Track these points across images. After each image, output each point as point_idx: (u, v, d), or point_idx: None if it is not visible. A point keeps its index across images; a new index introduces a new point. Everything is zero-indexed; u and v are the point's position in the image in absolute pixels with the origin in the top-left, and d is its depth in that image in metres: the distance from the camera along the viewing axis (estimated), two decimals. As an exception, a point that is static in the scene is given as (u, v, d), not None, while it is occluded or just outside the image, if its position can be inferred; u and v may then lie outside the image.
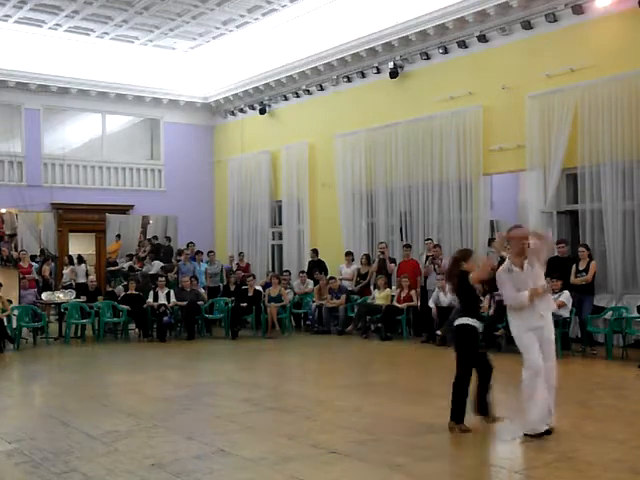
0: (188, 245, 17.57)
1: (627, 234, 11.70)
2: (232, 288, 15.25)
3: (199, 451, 5.93)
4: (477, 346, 6.61)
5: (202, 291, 15.35)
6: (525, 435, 6.11)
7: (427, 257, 13.70)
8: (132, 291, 14.64)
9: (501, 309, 11.63)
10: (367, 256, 15.23)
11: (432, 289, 13.10)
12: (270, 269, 18.18)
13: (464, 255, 6.73)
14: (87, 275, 16.83)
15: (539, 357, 6.14)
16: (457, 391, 6.42)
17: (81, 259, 17.77)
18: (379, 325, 13.82)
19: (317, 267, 16.06)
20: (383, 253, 14.52)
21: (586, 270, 11.30)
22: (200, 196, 20.61)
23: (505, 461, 5.65)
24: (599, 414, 7.24)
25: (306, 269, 16.37)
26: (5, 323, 12.71)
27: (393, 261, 14.49)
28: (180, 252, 17.73)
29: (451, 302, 11.93)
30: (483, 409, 6.55)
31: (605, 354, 10.64)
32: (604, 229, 11.87)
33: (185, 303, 14.35)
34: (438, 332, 12.45)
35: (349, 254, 15.60)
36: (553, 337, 6.38)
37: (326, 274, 15.55)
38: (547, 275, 11.56)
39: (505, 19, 13.24)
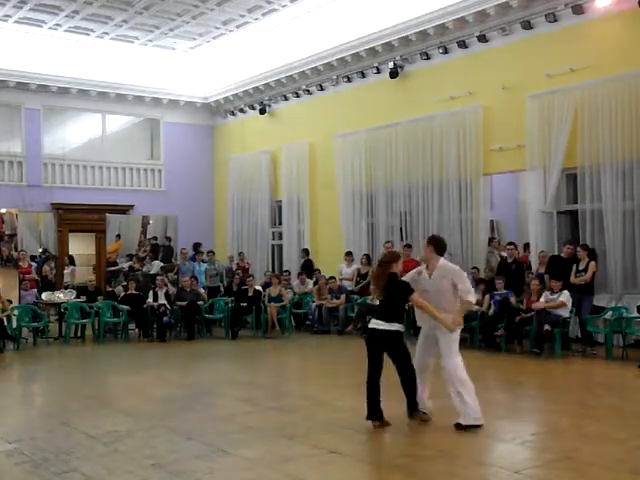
0: (195, 246, 17.63)
1: (627, 234, 11.70)
2: (235, 288, 15.23)
3: (199, 451, 5.93)
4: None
5: (202, 291, 15.35)
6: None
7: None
8: (132, 291, 14.63)
9: (502, 309, 11.67)
10: (367, 256, 15.23)
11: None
12: (270, 269, 18.19)
13: (394, 258, 7.03)
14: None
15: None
16: (412, 385, 6.75)
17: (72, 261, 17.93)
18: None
19: (307, 268, 16.16)
20: None
21: (585, 270, 11.30)
22: (200, 196, 20.60)
23: (505, 461, 5.64)
24: (599, 414, 7.24)
25: (299, 270, 16.45)
26: (5, 323, 12.71)
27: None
28: (196, 252, 17.64)
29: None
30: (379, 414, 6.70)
31: (605, 354, 10.63)
32: (604, 229, 11.86)
33: (185, 303, 14.35)
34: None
35: (349, 254, 15.60)
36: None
37: (312, 273, 15.80)
38: (547, 274, 11.68)
39: (505, 19, 13.24)
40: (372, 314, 14.01)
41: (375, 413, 6.65)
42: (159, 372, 10.48)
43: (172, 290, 14.59)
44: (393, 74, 15.20)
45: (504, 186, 16.31)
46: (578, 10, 12.10)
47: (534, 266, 12.57)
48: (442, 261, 6.82)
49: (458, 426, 6.43)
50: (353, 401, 7.93)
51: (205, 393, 8.73)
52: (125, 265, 18.52)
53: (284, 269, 17.32)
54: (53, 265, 17.78)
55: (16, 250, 17.28)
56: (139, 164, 20.22)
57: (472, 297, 6.76)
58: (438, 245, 6.90)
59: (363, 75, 16.14)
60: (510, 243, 13.27)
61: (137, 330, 14.52)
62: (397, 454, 5.77)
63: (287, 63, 17.60)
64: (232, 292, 15.23)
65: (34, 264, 16.95)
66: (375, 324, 6.77)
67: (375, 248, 15.73)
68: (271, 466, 5.51)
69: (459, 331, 6.73)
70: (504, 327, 11.46)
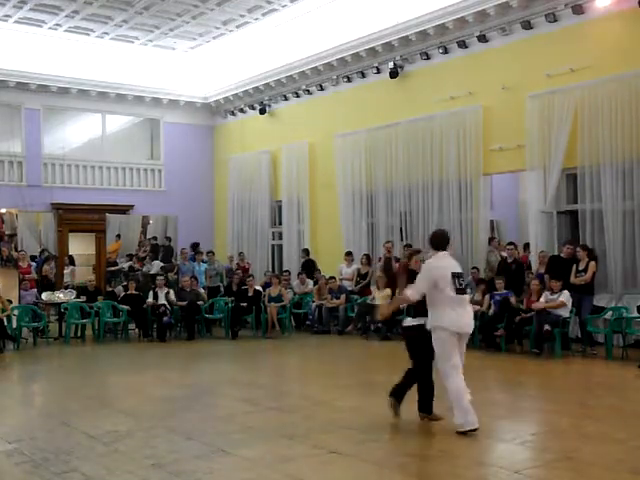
0: (194, 246, 17.62)
1: (627, 234, 11.70)
2: (235, 288, 15.23)
3: (199, 451, 5.93)
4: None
5: (202, 291, 15.35)
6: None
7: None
8: (132, 291, 14.63)
9: (502, 309, 11.66)
10: (367, 256, 15.24)
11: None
12: (270, 269, 18.19)
13: (412, 253, 7.06)
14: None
15: None
16: (422, 384, 6.70)
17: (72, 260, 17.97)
18: (379, 325, 13.81)
19: (309, 267, 16.15)
20: (390, 252, 14.52)
21: (585, 270, 11.31)
22: (200, 196, 20.60)
23: (505, 461, 5.65)
24: (599, 414, 7.24)
25: (299, 270, 16.44)
26: (5, 323, 12.71)
27: (398, 260, 14.47)
28: (195, 252, 17.62)
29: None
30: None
31: (605, 354, 10.64)
32: (604, 229, 11.86)
33: (185, 303, 14.35)
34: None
35: (349, 254, 15.60)
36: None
37: (313, 273, 15.77)
38: (547, 274, 11.68)
39: (505, 19, 13.24)
40: (372, 314, 14.07)
41: (426, 407, 6.68)
42: (159, 372, 10.48)
43: (173, 298, 14.50)
44: (393, 74, 15.20)
45: (504, 186, 16.31)
46: (578, 10, 12.10)
47: (534, 266, 12.57)
48: (429, 257, 6.74)
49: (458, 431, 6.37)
50: (353, 401, 7.94)
51: (205, 393, 8.73)
52: (125, 265, 18.51)
53: (284, 269, 17.32)
54: (53, 265, 17.77)
55: (16, 250, 17.27)
56: (139, 164, 20.22)
57: (410, 293, 6.46)
58: (432, 239, 6.82)
59: (363, 75, 16.14)
60: (510, 243, 13.27)
61: (137, 330, 14.51)
62: (397, 454, 5.76)
63: (287, 63, 17.60)
64: (232, 292, 15.23)
65: (34, 264, 16.95)
66: (405, 322, 6.87)
67: (375, 248, 15.74)
68: (271, 466, 5.51)
69: (442, 335, 6.41)
70: (504, 327, 11.46)
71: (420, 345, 6.64)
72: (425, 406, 6.73)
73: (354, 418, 7.02)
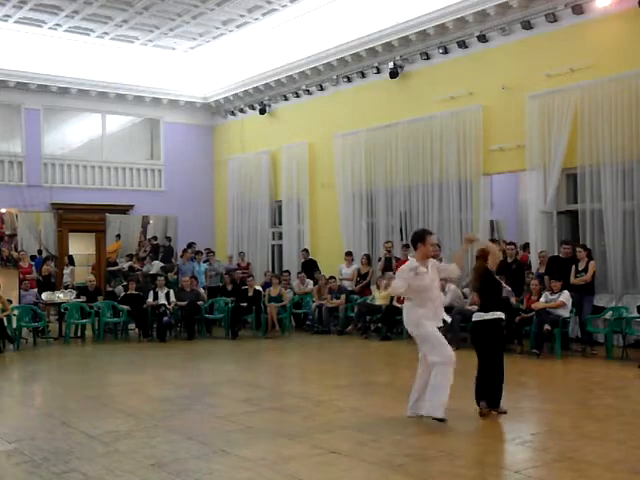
0: (190, 245, 17.62)
1: (627, 234, 11.71)
2: (229, 288, 15.23)
3: (199, 451, 5.92)
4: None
5: (202, 291, 15.35)
6: (435, 419, 6.56)
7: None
8: (132, 291, 14.63)
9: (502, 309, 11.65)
10: (367, 256, 15.24)
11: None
12: (270, 269, 18.19)
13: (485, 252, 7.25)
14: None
15: (450, 348, 6.73)
16: (482, 380, 6.96)
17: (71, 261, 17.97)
18: (379, 325, 13.82)
19: (309, 267, 16.14)
20: (389, 252, 14.51)
21: (585, 270, 11.30)
22: (200, 196, 20.62)
23: (505, 461, 5.65)
24: (599, 414, 7.24)
25: (299, 270, 16.43)
26: (5, 323, 12.71)
27: (398, 260, 14.48)
28: (194, 252, 17.63)
29: (451, 302, 11.93)
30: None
31: (605, 354, 10.64)
32: (604, 229, 11.87)
33: (185, 303, 14.35)
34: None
35: (349, 254, 15.61)
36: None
37: (313, 273, 15.75)
38: (547, 274, 11.67)
39: (505, 19, 13.24)
40: (372, 314, 14.08)
41: (495, 401, 6.90)
42: (159, 372, 10.48)
43: (173, 298, 14.50)
44: (393, 74, 15.20)
45: (504, 186, 16.31)
46: (578, 10, 12.11)
47: (534, 266, 12.56)
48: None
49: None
50: (353, 401, 7.94)
51: (205, 393, 8.72)
52: (125, 265, 18.51)
53: (284, 269, 17.32)
54: (53, 264, 17.78)
55: (16, 250, 17.28)
56: (139, 164, 20.23)
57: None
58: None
59: (363, 75, 16.14)
60: (510, 243, 13.27)
61: (137, 330, 14.52)
62: (397, 454, 5.76)
63: (287, 63, 17.61)
64: (226, 292, 15.24)
65: (33, 263, 16.95)
66: (474, 317, 7.13)
67: (375, 248, 15.74)
68: (271, 466, 5.50)
69: None
70: (504, 327, 11.44)
71: (485, 339, 7.00)
72: (494, 401, 6.91)
73: (354, 418, 7.02)
